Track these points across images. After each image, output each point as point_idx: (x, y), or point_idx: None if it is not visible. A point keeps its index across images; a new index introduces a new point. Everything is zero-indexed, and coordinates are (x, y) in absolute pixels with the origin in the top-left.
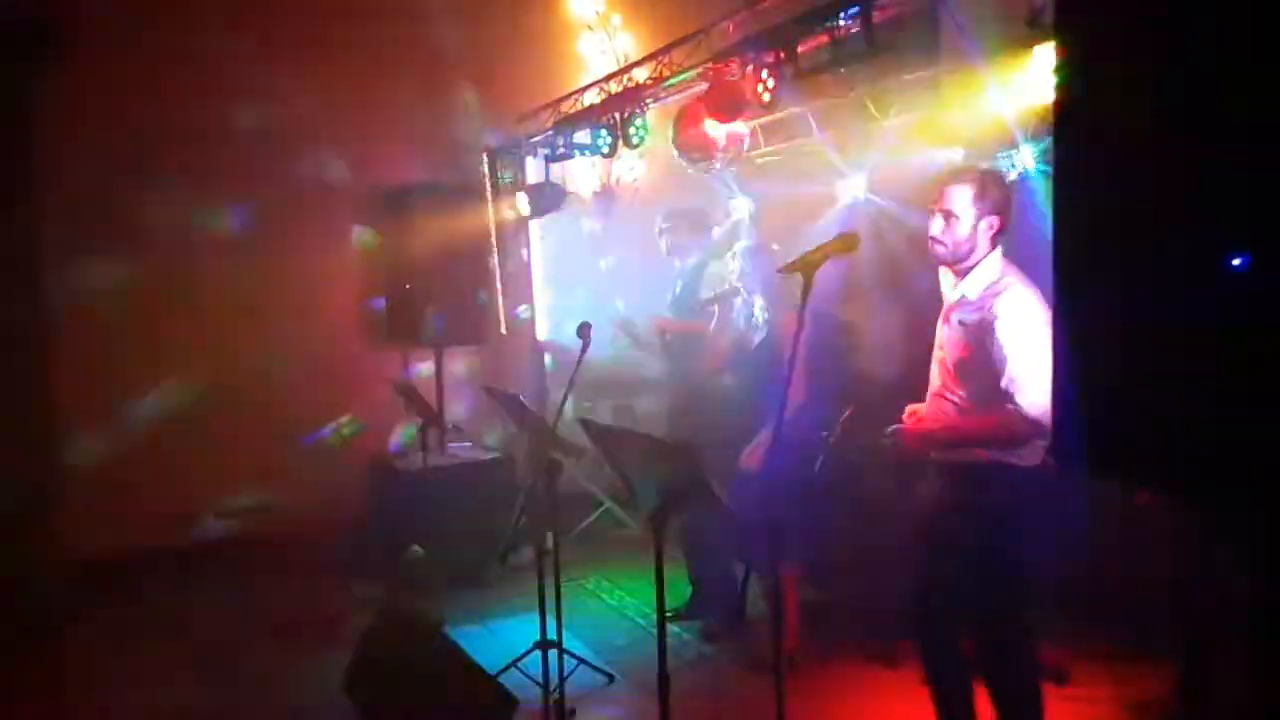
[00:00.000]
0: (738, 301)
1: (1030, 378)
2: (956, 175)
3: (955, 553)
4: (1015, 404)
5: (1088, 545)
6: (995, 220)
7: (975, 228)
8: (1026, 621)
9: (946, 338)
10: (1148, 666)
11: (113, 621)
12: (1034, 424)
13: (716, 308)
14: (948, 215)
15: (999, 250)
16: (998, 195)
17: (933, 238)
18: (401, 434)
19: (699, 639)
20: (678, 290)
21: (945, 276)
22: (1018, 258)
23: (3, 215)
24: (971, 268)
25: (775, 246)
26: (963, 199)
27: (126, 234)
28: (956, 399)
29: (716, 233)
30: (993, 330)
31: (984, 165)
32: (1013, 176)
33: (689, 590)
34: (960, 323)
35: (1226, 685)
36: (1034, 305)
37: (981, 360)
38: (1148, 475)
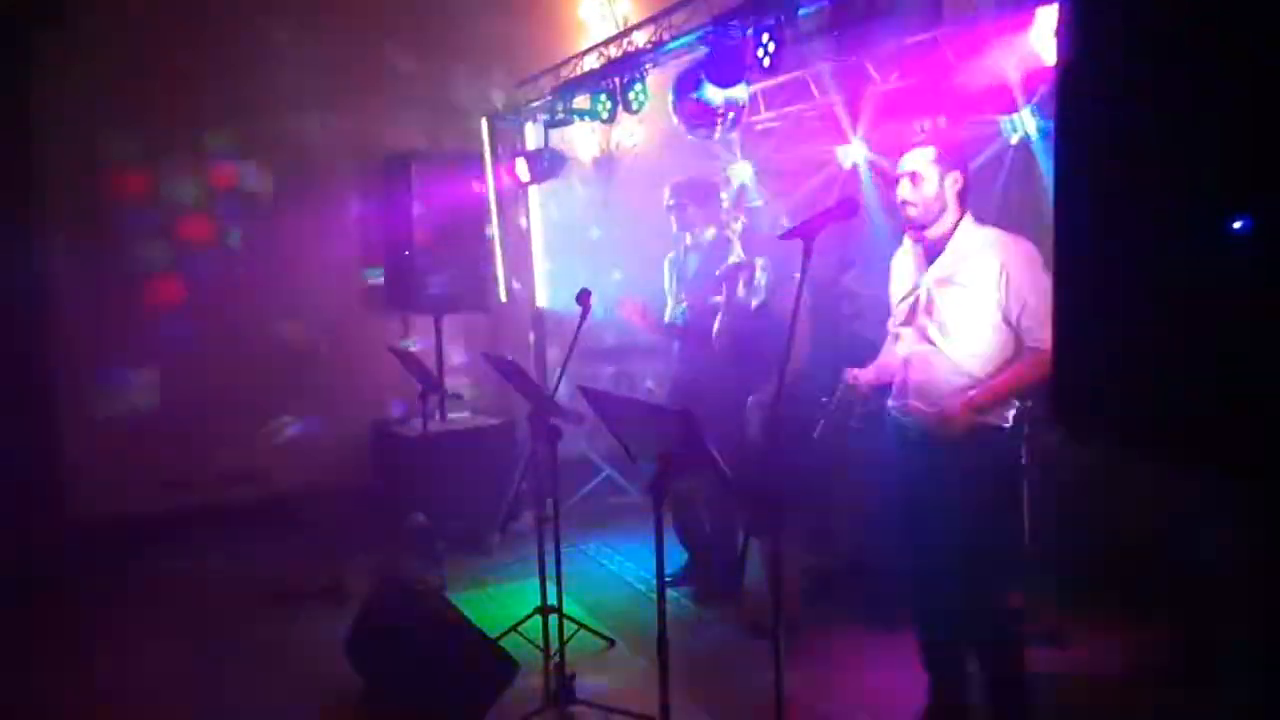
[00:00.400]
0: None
1: (1045, 316)
2: (915, 139)
3: (946, 518)
4: (1037, 341)
5: (1081, 509)
6: (959, 176)
7: (941, 185)
8: (1012, 591)
9: (936, 300)
10: (1146, 629)
11: (113, 586)
12: None
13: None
14: (913, 177)
15: (969, 214)
16: (955, 152)
17: (903, 201)
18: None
19: (698, 604)
20: (694, 268)
21: (913, 250)
22: (1019, 221)
23: (3, 181)
24: (946, 236)
25: (784, 221)
26: (923, 159)
27: (125, 199)
28: (964, 359)
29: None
30: (998, 280)
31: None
32: (1014, 140)
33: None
34: (953, 281)
35: (1226, 647)
36: (1027, 248)
37: (989, 311)
38: (1149, 441)
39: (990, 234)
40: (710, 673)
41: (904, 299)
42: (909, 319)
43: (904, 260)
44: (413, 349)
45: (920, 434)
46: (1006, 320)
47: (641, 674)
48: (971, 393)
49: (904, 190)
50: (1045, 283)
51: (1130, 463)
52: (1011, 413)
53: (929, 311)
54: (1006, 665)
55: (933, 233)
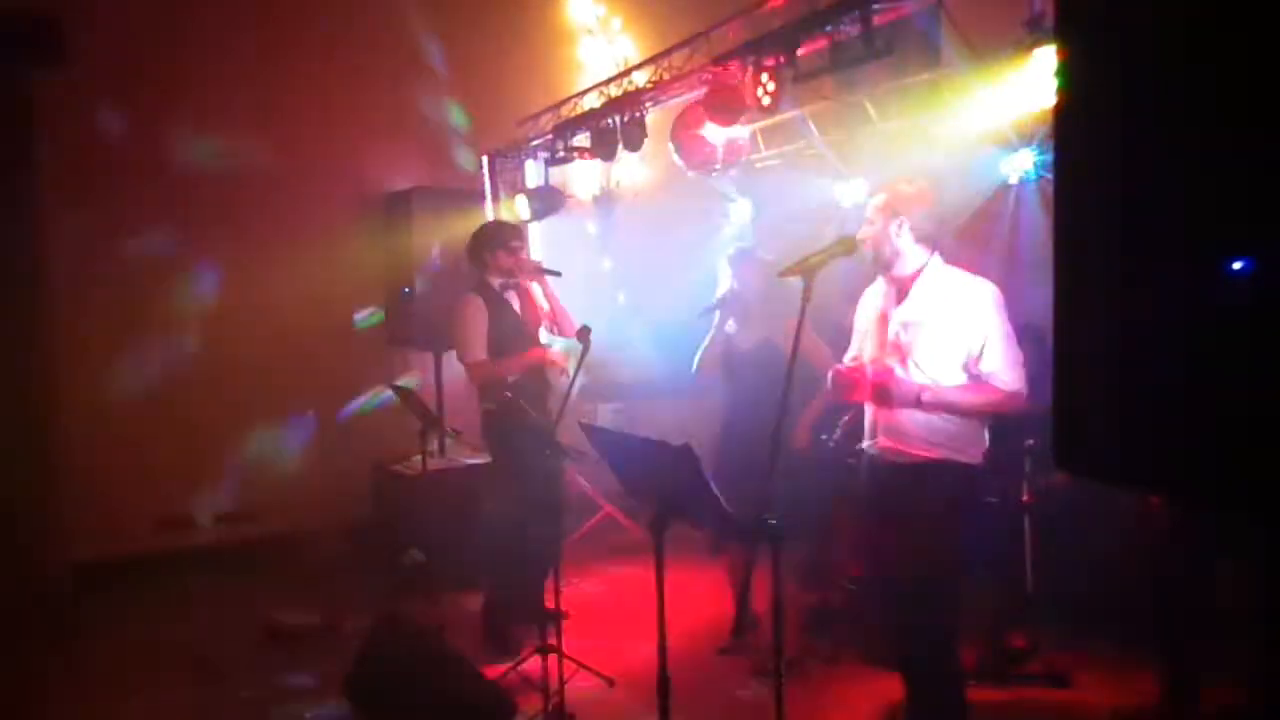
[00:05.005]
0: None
1: (1005, 358)
2: (877, 189)
3: (899, 550)
4: (1002, 383)
5: (1083, 547)
6: (903, 220)
7: (886, 230)
8: (952, 624)
9: (903, 341)
10: (1149, 671)
11: (109, 625)
12: (1015, 396)
13: (718, 313)
14: (869, 222)
15: (938, 256)
16: (904, 199)
17: (861, 241)
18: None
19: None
20: None
21: (884, 290)
22: (1017, 260)
23: (3, 216)
24: (912, 278)
25: (770, 258)
26: (873, 205)
27: (126, 235)
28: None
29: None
30: (962, 321)
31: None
32: (1013, 180)
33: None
34: (919, 323)
35: (1211, 687)
36: (990, 290)
37: (955, 352)
38: (1150, 480)
39: (955, 276)
40: (712, 712)
41: (868, 337)
42: (876, 359)
43: (872, 298)
44: (412, 386)
45: (889, 470)
46: (970, 362)
47: (642, 714)
48: (926, 395)
49: (862, 231)
50: (1006, 325)
51: (1132, 500)
52: (978, 450)
53: (897, 352)
54: (934, 698)
55: (897, 273)
